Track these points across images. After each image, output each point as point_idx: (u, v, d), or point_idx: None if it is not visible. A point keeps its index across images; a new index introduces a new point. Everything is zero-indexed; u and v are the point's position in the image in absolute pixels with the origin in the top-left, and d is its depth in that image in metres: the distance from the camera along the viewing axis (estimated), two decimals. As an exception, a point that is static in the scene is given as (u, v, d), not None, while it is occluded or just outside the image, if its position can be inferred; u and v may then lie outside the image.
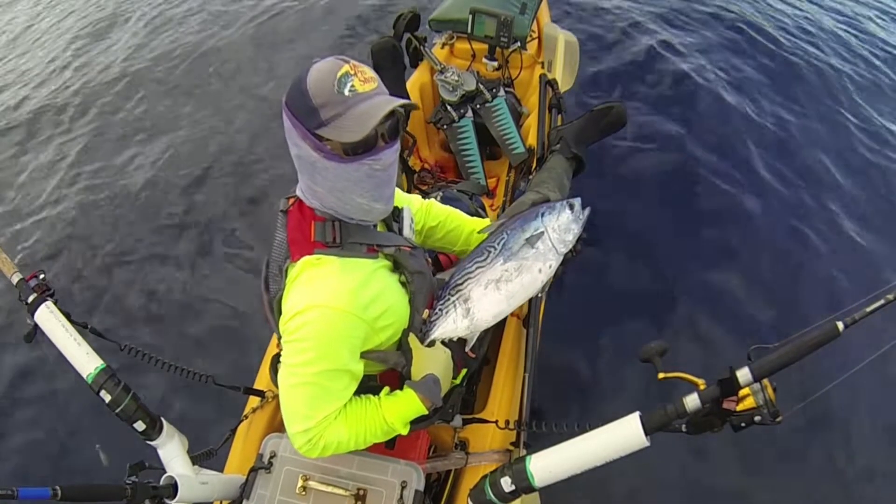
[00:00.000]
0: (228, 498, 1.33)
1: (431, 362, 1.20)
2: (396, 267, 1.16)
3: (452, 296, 1.28)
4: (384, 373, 1.25)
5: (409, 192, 2.17)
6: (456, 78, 2.37)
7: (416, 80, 2.53)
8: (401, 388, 1.20)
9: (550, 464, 1.11)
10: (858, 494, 1.94)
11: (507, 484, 1.13)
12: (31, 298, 1.32)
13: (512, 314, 1.67)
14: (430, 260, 1.34)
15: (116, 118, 3.71)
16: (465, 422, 1.46)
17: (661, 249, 2.57)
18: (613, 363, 2.18)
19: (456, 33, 2.59)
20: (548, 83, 2.35)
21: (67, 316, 1.32)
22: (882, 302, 0.95)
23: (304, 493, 1.24)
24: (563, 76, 2.61)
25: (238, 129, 3.43)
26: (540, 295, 1.55)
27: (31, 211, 3.22)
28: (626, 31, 3.79)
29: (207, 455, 1.43)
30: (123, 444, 1.29)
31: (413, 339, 1.20)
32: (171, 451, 1.31)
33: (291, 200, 1.13)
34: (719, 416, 1.04)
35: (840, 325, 0.94)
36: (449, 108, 2.39)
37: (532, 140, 2.29)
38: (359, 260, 1.07)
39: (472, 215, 1.82)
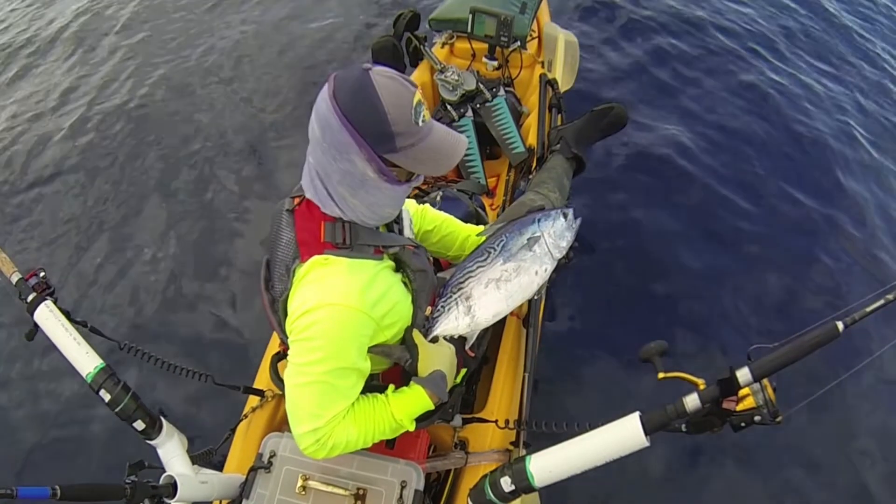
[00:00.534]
0: (228, 497, 1.33)
1: (437, 358, 1.21)
2: (399, 266, 1.17)
3: (454, 293, 1.31)
4: (387, 371, 1.25)
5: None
6: (456, 77, 2.37)
7: (415, 80, 2.49)
8: (404, 386, 1.20)
9: (550, 464, 1.11)
10: (859, 494, 1.94)
11: (506, 484, 1.13)
12: (30, 297, 1.32)
13: (512, 314, 1.67)
14: (431, 259, 1.35)
15: (116, 118, 3.70)
16: (465, 421, 1.46)
17: (661, 249, 2.57)
18: (613, 363, 2.18)
19: (456, 33, 2.59)
20: (548, 83, 2.35)
21: (67, 315, 1.32)
22: (882, 302, 0.95)
23: (303, 492, 1.24)
24: (564, 76, 2.61)
25: (237, 128, 3.43)
26: (536, 297, 1.57)
27: (30, 210, 3.22)
28: (626, 31, 3.78)
29: (207, 454, 1.43)
30: (123, 443, 1.29)
31: (418, 336, 1.20)
32: (171, 451, 1.31)
33: (297, 200, 1.12)
34: (719, 416, 1.05)
35: (840, 325, 0.95)
36: (449, 107, 2.39)
37: (532, 139, 2.29)
38: (365, 261, 1.07)
39: (472, 215, 1.84)
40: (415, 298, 1.17)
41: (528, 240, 1.34)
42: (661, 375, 1.11)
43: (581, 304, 2.36)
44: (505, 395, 1.56)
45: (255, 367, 1.66)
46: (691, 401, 1.04)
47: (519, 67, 2.50)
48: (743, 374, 0.99)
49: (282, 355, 1.42)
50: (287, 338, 1.10)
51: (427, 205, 1.50)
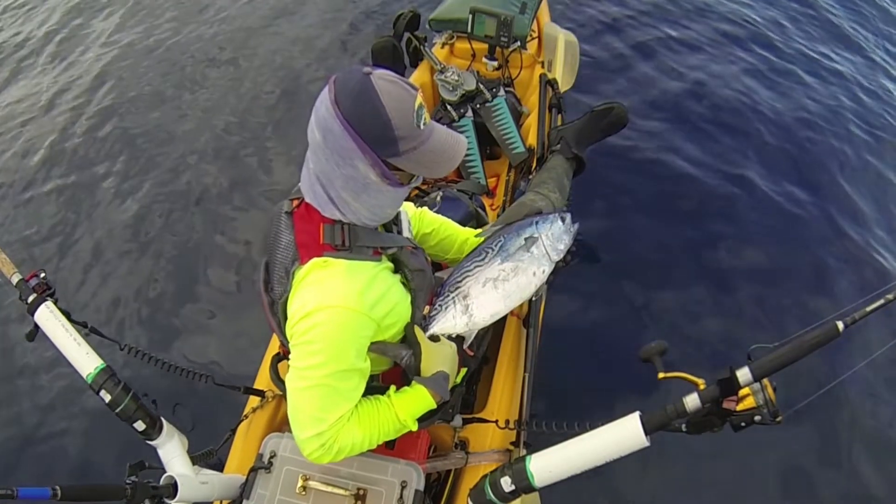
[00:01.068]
0: (228, 498, 1.33)
1: (440, 357, 1.21)
2: (398, 267, 1.17)
3: (451, 292, 1.31)
4: (387, 372, 1.25)
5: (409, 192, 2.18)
6: (456, 77, 2.37)
7: (415, 80, 2.53)
8: (404, 386, 1.20)
9: (550, 464, 1.11)
10: (859, 494, 1.94)
11: (507, 484, 1.13)
12: (31, 298, 1.33)
13: (512, 314, 1.67)
14: (429, 259, 1.35)
15: (115, 117, 3.71)
16: (465, 421, 1.46)
17: (661, 249, 2.57)
18: (613, 363, 2.18)
19: (456, 33, 2.59)
20: (548, 83, 2.35)
21: (67, 315, 1.32)
22: (882, 302, 0.95)
23: (304, 492, 1.24)
24: (564, 76, 2.61)
25: (237, 127, 3.43)
26: (534, 298, 1.58)
27: (30, 210, 3.22)
28: (627, 32, 3.78)
29: (207, 455, 1.43)
30: (123, 443, 1.29)
31: (420, 335, 1.20)
32: (171, 451, 1.31)
33: (295, 202, 1.12)
34: (719, 416, 1.05)
35: (840, 325, 0.95)
36: (449, 107, 2.39)
37: (532, 140, 2.29)
38: (364, 262, 1.07)
39: (472, 215, 1.84)
40: (413, 298, 1.17)
41: (525, 240, 1.35)
42: (661, 375, 1.11)
43: (581, 304, 2.36)
44: (505, 395, 1.56)
45: (256, 368, 1.66)
46: (691, 401, 1.04)
47: (519, 67, 2.50)
48: (743, 374, 0.99)
49: (281, 356, 1.42)
50: (287, 340, 1.10)
51: (425, 208, 1.51)
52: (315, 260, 1.04)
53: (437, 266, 1.61)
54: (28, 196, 3.32)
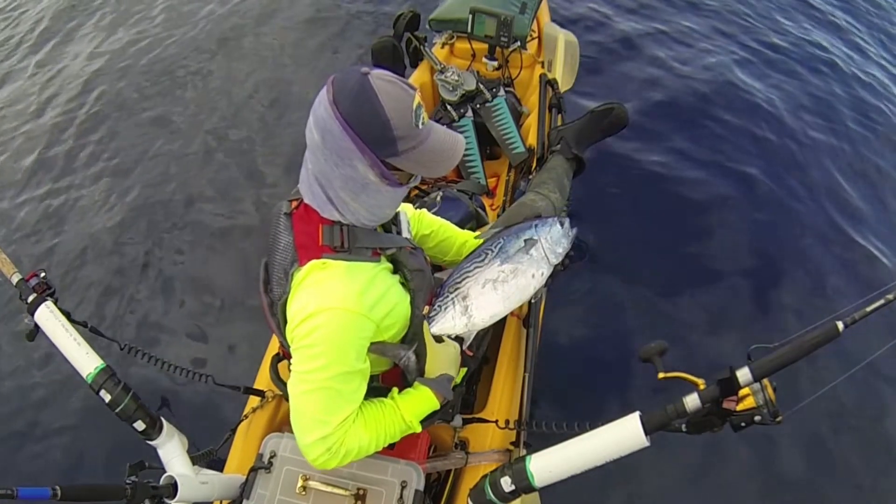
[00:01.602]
0: (228, 498, 1.33)
1: (444, 359, 1.21)
2: (397, 268, 1.17)
3: (451, 293, 1.32)
4: (387, 373, 1.25)
5: (409, 191, 2.18)
6: (456, 77, 2.37)
7: (415, 80, 2.53)
8: (403, 388, 1.20)
9: (550, 464, 1.11)
10: (859, 494, 1.94)
11: (507, 484, 1.13)
12: (31, 298, 1.33)
13: (512, 314, 1.67)
14: (428, 259, 1.35)
15: (114, 117, 3.71)
16: (465, 421, 1.46)
17: (661, 249, 2.57)
18: (613, 363, 2.18)
19: (456, 33, 2.59)
20: (548, 83, 2.35)
21: (67, 315, 1.32)
22: (882, 302, 0.95)
23: (304, 492, 1.24)
24: (564, 76, 2.61)
25: (236, 127, 3.43)
26: (533, 301, 1.58)
27: (30, 210, 3.22)
28: (628, 32, 3.78)
29: (207, 455, 1.43)
30: (123, 443, 1.29)
31: (427, 335, 1.20)
32: (171, 451, 1.31)
33: (294, 203, 1.12)
34: (719, 416, 1.05)
35: (840, 325, 0.94)
36: (449, 107, 2.39)
37: (532, 140, 2.29)
38: (363, 263, 1.07)
39: (472, 215, 1.84)
40: (413, 298, 1.17)
41: (525, 243, 1.36)
42: (661, 375, 1.10)
43: (581, 304, 2.36)
44: (505, 395, 1.56)
45: (255, 368, 1.66)
46: (691, 401, 1.04)
47: (519, 67, 2.50)
48: (743, 374, 0.99)
49: (281, 356, 1.42)
50: (286, 340, 1.10)
51: (424, 210, 1.51)
52: (314, 262, 1.04)
53: (436, 268, 1.62)
54: (28, 196, 3.32)
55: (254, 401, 1.57)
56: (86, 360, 1.28)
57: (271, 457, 1.29)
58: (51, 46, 4.52)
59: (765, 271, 2.52)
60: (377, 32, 3.87)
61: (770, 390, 1.02)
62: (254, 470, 1.28)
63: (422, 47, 2.52)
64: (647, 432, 1.04)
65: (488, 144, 2.41)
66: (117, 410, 1.26)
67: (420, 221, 1.46)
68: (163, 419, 1.32)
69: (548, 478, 1.11)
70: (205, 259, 2.76)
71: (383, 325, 1.09)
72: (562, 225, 1.42)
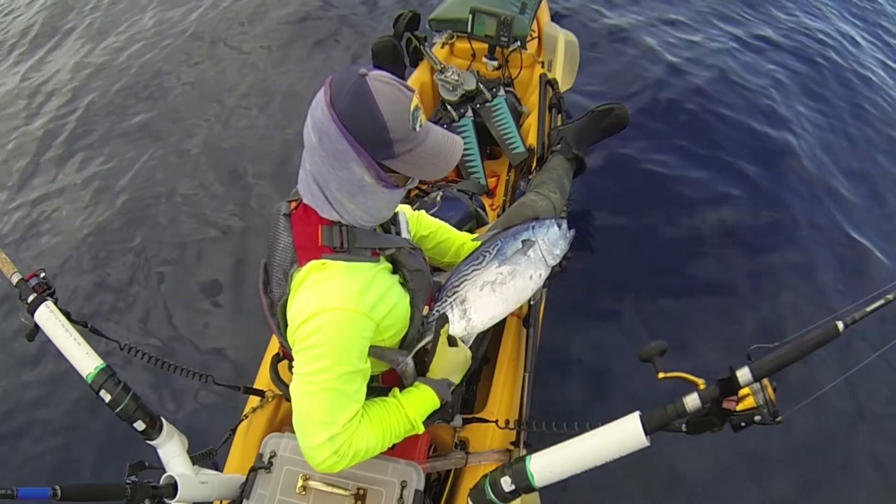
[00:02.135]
0: (228, 497, 1.33)
1: (452, 362, 1.21)
2: (396, 268, 1.17)
3: (449, 297, 1.33)
4: (387, 373, 1.25)
5: (408, 192, 2.18)
6: (456, 77, 2.37)
7: (415, 80, 2.53)
8: (403, 389, 1.20)
9: (550, 463, 1.11)
10: (859, 494, 1.94)
11: (507, 484, 1.13)
12: (30, 298, 1.32)
13: (512, 314, 1.67)
14: (427, 259, 1.35)
15: (113, 116, 3.70)
16: (465, 421, 1.46)
17: (661, 250, 2.57)
18: (613, 363, 2.18)
19: (456, 33, 2.59)
20: (548, 83, 2.35)
21: (67, 315, 1.32)
22: (882, 302, 0.95)
23: (304, 492, 1.24)
24: (564, 76, 2.61)
25: (236, 126, 3.43)
26: (532, 302, 1.58)
27: (29, 210, 3.22)
28: (628, 32, 3.78)
29: (207, 455, 1.43)
30: (123, 443, 1.29)
31: (443, 337, 1.21)
32: (171, 451, 1.31)
33: (293, 204, 1.12)
34: (719, 416, 1.05)
35: (840, 325, 0.94)
36: (449, 107, 2.39)
37: (532, 139, 2.29)
38: (362, 263, 1.07)
39: (472, 215, 1.84)
40: (412, 298, 1.17)
41: (522, 244, 1.37)
42: (661, 375, 1.11)
43: (581, 304, 2.36)
44: (505, 395, 1.56)
45: (255, 368, 1.66)
46: (691, 400, 1.04)
47: (519, 67, 2.50)
48: (743, 374, 0.99)
49: (281, 356, 1.42)
50: (286, 341, 1.10)
51: (422, 211, 1.52)
52: (313, 262, 1.04)
53: (434, 270, 1.62)
54: (26, 198, 3.32)
55: (254, 401, 1.57)
56: (86, 360, 1.28)
57: (271, 457, 1.29)
58: (40, 50, 4.53)
59: (765, 271, 2.52)
60: (368, 32, 3.90)
61: (770, 390, 1.02)
62: (254, 470, 1.28)
63: (422, 47, 2.52)
64: (647, 432, 1.04)
65: (488, 144, 2.41)
66: (117, 410, 1.26)
67: (418, 222, 1.46)
68: (163, 419, 1.32)
69: (548, 478, 1.11)
70: (204, 259, 2.76)
71: (383, 324, 1.09)
72: (559, 226, 1.42)
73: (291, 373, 1.16)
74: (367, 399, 1.11)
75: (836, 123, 3.31)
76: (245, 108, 3.53)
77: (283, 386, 1.39)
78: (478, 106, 2.38)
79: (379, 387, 1.25)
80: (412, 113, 0.97)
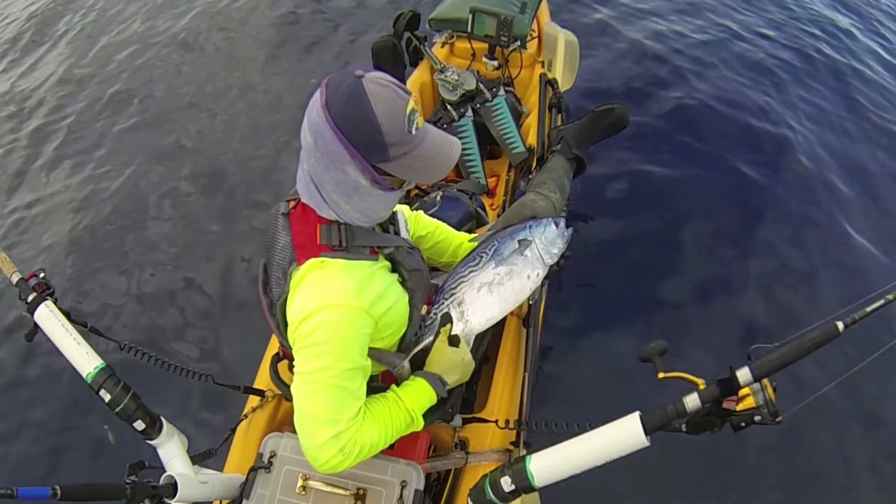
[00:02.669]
0: (228, 497, 1.33)
1: (447, 361, 1.21)
2: (394, 267, 1.17)
3: (446, 299, 1.33)
4: (386, 373, 1.25)
5: (408, 191, 2.18)
6: (456, 77, 2.37)
7: (415, 80, 2.53)
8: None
9: (550, 463, 1.11)
10: (859, 494, 1.94)
11: (506, 483, 1.13)
12: (30, 297, 1.32)
13: (512, 314, 1.67)
14: (425, 259, 1.35)
15: (106, 119, 3.70)
16: (465, 421, 1.46)
17: (662, 250, 2.57)
18: (613, 363, 2.18)
19: (456, 32, 2.59)
20: (548, 82, 2.35)
21: (67, 315, 1.32)
22: (882, 302, 0.95)
23: (303, 492, 1.24)
24: (564, 75, 2.61)
25: (236, 125, 3.43)
26: (531, 301, 1.58)
27: (29, 210, 3.22)
28: (628, 31, 3.78)
29: (207, 454, 1.43)
30: (123, 443, 1.29)
31: (443, 335, 1.21)
32: (171, 451, 1.31)
33: (292, 203, 1.12)
34: (719, 416, 1.05)
35: (840, 325, 0.94)
36: (449, 107, 2.39)
37: (532, 139, 2.29)
38: (361, 261, 1.08)
39: (472, 215, 1.84)
40: (411, 298, 1.17)
41: (519, 244, 1.36)
42: (661, 375, 1.10)
43: (581, 304, 2.36)
44: (505, 395, 1.56)
45: (255, 368, 1.66)
46: (691, 400, 1.04)
47: (519, 67, 2.50)
48: (743, 374, 0.99)
49: (281, 356, 1.42)
50: (286, 341, 1.10)
51: (420, 211, 1.52)
52: (312, 261, 1.04)
53: (433, 271, 1.62)
54: (23, 200, 3.32)
55: (254, 400, 1.57)
56: (85, 360, 1.28)
57: (271, 456, 1.29)
58: (29, 56, 4.56)
59: (765, 271, 2.52)
60: (360, 34, 3.92)
61: (770, 390, 1.02)
62: (254, 469, 1.28)
63: (422, 47, 2.52)
64: (647, 432, 1.04)
65: (488, 144, 2.41)
66: (117, 410, 1.26)
67: (417, 223, 1.46)
68: (162, 419, 1.32)
69: (548, 478, 1.10)
70: (204, 260, 2.76)
71: (382, 322, 1.09)
72: (556, 225, 1.42)
73: (292, 372, 1.16)
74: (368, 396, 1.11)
75: (834, 119, 3.32)
76: (236, 110, 3.55)
77: (283, 386, 1.39)
78: (478, 106, 2.38)
79: (378, 386, 1.25)
80: (408, 116, 0.96)
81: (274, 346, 1.59)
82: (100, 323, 1.70)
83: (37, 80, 4.21)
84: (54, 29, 4.74)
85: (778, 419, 1.01)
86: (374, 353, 1.13)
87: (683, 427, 1.10)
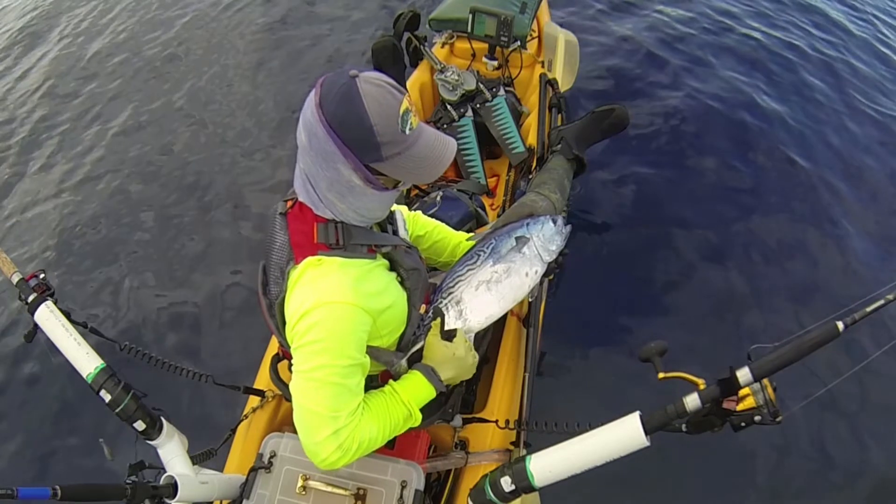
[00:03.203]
0: (228, 497, 1.33)
1: (439, 354, 1.20)
2: (393, 266, 1.17)
3: (444, 298, 1.33)
4: (385, 372, 1.25)
5: (409, 192, 2.18)
6: (456, 77, 2.37)
7: (416, 80, 2.53)
8: None
9: (550, 463, 1.11)
10: (859, 494, 1.94)
11: (507, 483, 1.13)
12: (31, 298, 1.32)
13: (512, 313, 1.67)
14: (423, 259, 1.35)
15: (112, 116, 3.71)
16: (465, 421, 1.46)
17: (662, 250, 2.57)
18: (613, 363, 2.18)
19: (456, 32, 2.59)
20: (548, 82, 2.35)
21: (67, 315, 1.32)
22: (882, 302, 0.95)
23: (304, 492, 1.24)
24: (564, 75, 2.61)
25: (237, 125, 3.44)
26: (531, 299, 1.58)
27: (30, 211, 3.22)
28: (628, 31, 3.78)
29: (207, 455, 1.43)
30: (123, 443, 1.30)
31: (434, 330, 1.21)
32: (171, 451, 1.31)
33: (289, 203, 1.13)
34: (719, 416, 1.05)
35: (840, 325, 0.95)
36: (449, 107, 2.39)
37: (532, 139, 2.29)
38: (358, 259, 1.08)
39: (472, 215, 1.84)
40: (409, 297, 1.17)
41: (517, 241, 1.36)
42: (661, 375, 1.10)
43: (581, 304, 2.36)
44: (505, 395, 1.56)
45: (256, 368, 1.66)
46: (691, 400, 1.04)
47: (519, 67, 2.50)
48: (743, 374, 0.99)
49: (281, 356, 1.42)
50: (285, 340, 1.10)
51: (419, 211, 1.51)
52: (309, 259, 1.04)
53: (431, 271, 1.62)
54: (27, 195, 3.32)
55: (254, 401, 1.57)
56: (86, 360, 1.28)
57: (271, 457, 1.29)
58: (19, 59, 4.55)
59: (765, 271, 2.52)
60: (353, 36, 3.92)
61: (770, 390, 1.02)
62: (254, 470, 1.28)
63: (422, 47, 2.52)
64: (647, 432, 1.04)
65: (488, 144, 2.41)
66: (117, 410, 1.26)
67: (415, 222, 1.46)
68: (163, 419, 1.32)
69: (548, 478, 1.11)
70: (204, 260, 2.76)
71: (381, 320, 1.09)
72: (554, 222, 1.41)
73: (291, 372, 1.16)
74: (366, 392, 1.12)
75: (833, 118, 3.32)
76: (234, 110, 3.56)
77: (283, 386, 1.39)
78: (478, 106, 2.38)
79: (378, 385, 1.25)
80: (401, 116, 0.95)
81: (274, 346, 1.59)
82: (100, 323, 1.70)
83: (29, 86, 4.22)
84: (45, 36, 4.76)
85: (778, 419, 1.01)
86: (372, 352, 1.12)
87: (683, 427, 1.10)
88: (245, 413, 1.56)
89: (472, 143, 2.34)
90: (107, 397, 1.25)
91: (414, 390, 1.15)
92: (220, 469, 1.43)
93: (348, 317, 1.01)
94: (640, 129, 3.06)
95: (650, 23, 3.87)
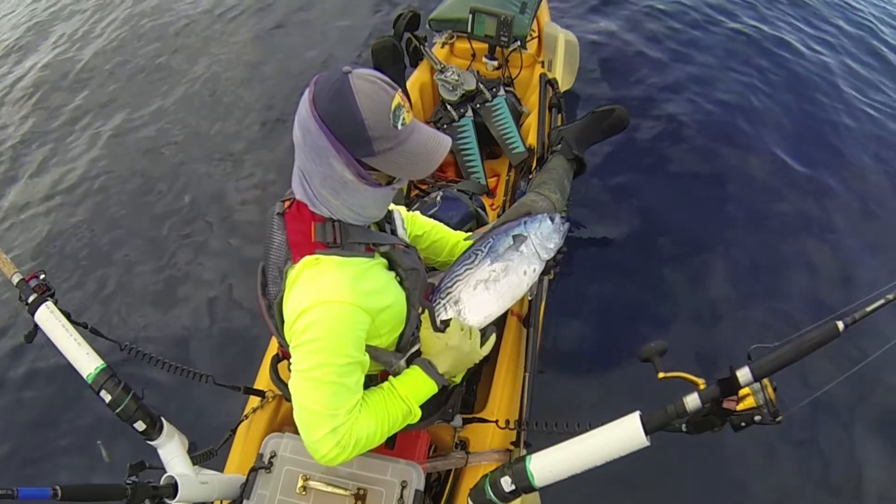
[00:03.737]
0: (228, 498, 1.33)
1: (433, 346, 1.20)
2: (391, 266, 1.17)
3: (442, 299, 1.33)
4: (384, 372, 1.25)
5: (409, 192, 2.18)
6: (456, 77, 2.37)
7: (416, 80, 2.53)
8: None
9: (550, 463, 1.11)
10: (858, 494, 1.94)
11: (507, 483, 1.13)
12: (31, 298, 1.33)
13: (512, 313, 1.67)
14: (422, 258, 1.35)
15: (112, 116, 3.71)
16: (466, 421, 1.46)
17: (662, 250, 2.57)
18: (613, 363, 2.18)
19: (456, 33, 2.59)
20: (548, 82, 2.35)
21: (67, 316, 1.32)
22: (882, 302, 0.95)
23: (304, 492, 1.24)
24: (564, 75, 2.61)
25: (237, 124, 3.44)
26: (530, 298, 1.58)
27: (30, 211, 3.22)
28: (627, 31, 3.78)
29: (207, 455, 1.43)
30: (124, 444, 1.30)
31: (425, 322, 1.20)
32: (172, 451, 1.31)
33: (287, 203, 1.13)
34: (719, 416, 1.05)
35: (840, 324, 0.95)
36: (449, 107, 2.39)
37: (532, 139, 2.29)
38: (356, 258, 1.08)
39: (472, 215, 1.84)
40: (408, 297, 1.17)
41: (514, 239, 1.36)
42: (661, 375, 1.11)
43: (581, 304, 2.36)
44: (505, 395, 1.56)
45: (256, 368, 1.66)
46: (691, 400, 1.04)
47: (519, 67, 2.50)
48: (743, 374, 0.99)
49: (281, 357, 1.42)
50: (284, 341, 1.10)
51: (417, 211, 1.51)
52: (307, 258, 1.04)
53: (429, 269, 1.61)
54: (27, 196, 3.32)
55: (254, 401, 1.57)
56: (86, 361, 1.28)
57: (271, 457, 1.29)
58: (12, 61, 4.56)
59: (764, 271, 2.52)
60: (350, 39, 3.93)
61: (770, 390, 1.02)
62: (254, 470, 1.28)
63: (422, 47, 2.52)
64: (647, 432, 1.04)
65: (488, 144, 2.41)
66: (118, 411, 1.26)
67: (413, 222, 1.46)
68: (163, 419, 1.32)
69: (548, 478, 1.11)
70: (204, 261, 2.76)
71: (379, 319, 1.09)
72: (552, 220, 1.41)
73: (290, 371, 1.16)
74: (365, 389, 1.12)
75: (832, 117, 3.31)
76: (232, 110, 3.56)
77: (283, 386, 1.38)
78: (478, 106, 2.38)
79: (377, 385, 1.25)
80: (393, 111, 0.96)
81: (274, 346, 1.59)
82: (100, 324, 1.69)
83: (24, 91, 4.24)
84: (39, 44, 4.78)
85: (778, 419, 1.01)
86: (371, 352, 1.12)
87: (683, 427, 1.10)
88: (245, 413, 1.56)
89: (472, 144, 2.34)
90: (107, 398, 1.26)
91: (412, 385, 1.15)
92: (221, 469, 1.43)
93: (346, 315, 1.01)
94: (640, 129, 3.06)
95: (650, 23, 3.87)
